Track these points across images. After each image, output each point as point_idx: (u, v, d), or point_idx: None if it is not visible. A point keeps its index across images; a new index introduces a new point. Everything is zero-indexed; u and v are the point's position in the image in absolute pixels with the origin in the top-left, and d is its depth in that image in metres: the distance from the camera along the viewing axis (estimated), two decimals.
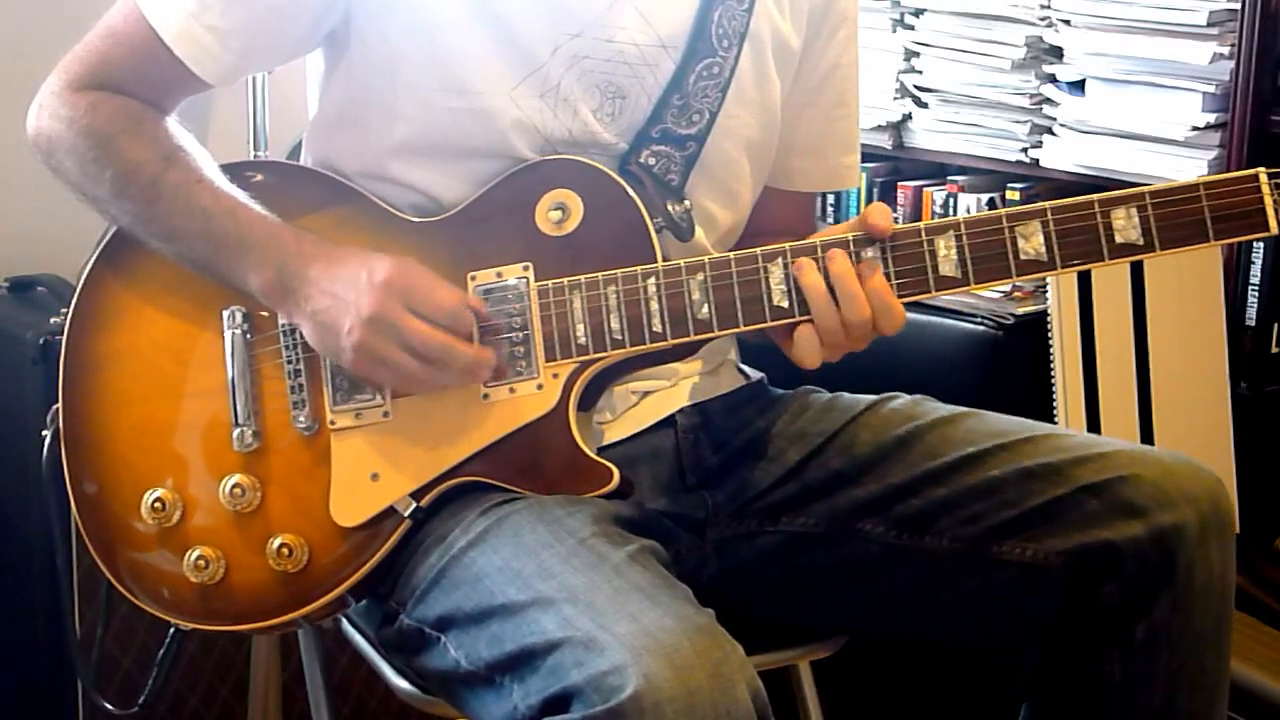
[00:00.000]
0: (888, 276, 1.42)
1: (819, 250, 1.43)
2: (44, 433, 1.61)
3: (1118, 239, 1.39)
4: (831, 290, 1.42)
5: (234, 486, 1.52)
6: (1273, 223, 1.36)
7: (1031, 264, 1.40)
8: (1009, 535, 1.53)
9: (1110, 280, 2.23)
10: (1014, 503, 1.53)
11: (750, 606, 1.61)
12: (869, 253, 1.42)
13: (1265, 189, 1.36)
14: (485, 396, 1.48)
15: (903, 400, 1.66)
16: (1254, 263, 2.34)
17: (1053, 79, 2.47)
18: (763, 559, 1.64)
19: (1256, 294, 2.34)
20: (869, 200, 2.72)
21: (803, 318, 1.43)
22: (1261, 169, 1.36)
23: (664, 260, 1.46)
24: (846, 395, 1.69)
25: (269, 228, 1.47)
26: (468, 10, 1.47)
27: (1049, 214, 1.39)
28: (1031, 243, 1.40)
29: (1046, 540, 1.52)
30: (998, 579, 1.54)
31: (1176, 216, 1.38)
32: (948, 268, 1.41)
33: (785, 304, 1.44)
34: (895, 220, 1.48)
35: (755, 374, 1.73)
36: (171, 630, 1.61)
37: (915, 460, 1.58)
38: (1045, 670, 1.58)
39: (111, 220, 1.55)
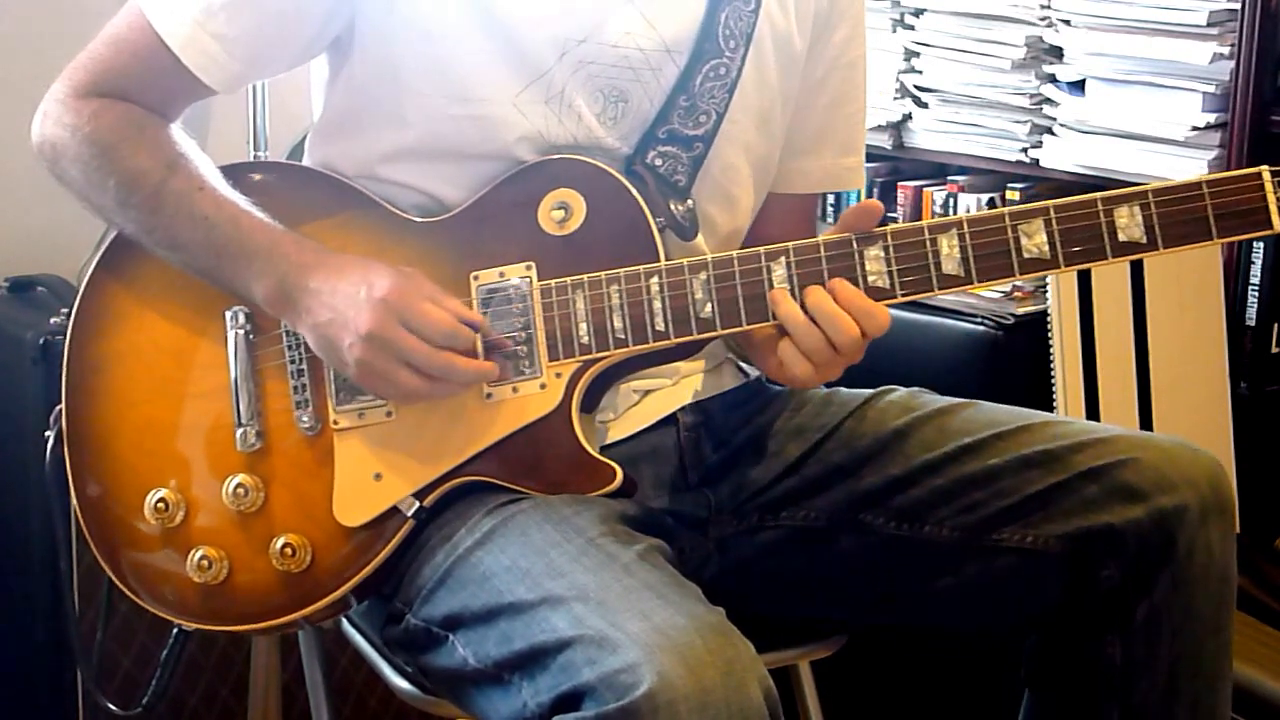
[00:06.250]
0: (890, 275, 1.42)
1: (821, 249, 1.43)
2: (47, 434, 1.61)
3: (1121, 237, 1.39)
4: (811, 317, 1.43)
5: (237, 486, 1.52)
6: (1276, 221, 1.36)
7: (1034, 262, 1.40)
8: (1009, 522, 1.54)
9: (1110, 280, 2.23)
10: (1013, 490, 1.54)
11: (753, 603, 1.61)
12: (873, 251, 1.43)
13: (1268, 187, 1.36)
14: (489, 396, 1.48)
15: (900, 393, 1.66)
16: (1254, 263, 2.34)
17: (1053, 79, 2.47)
18: (765, 554, 1.64)
19: (1256, 294, 2.34)
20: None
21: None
22: (1265, 167, 1.36)
23: (666, 259, 1.46)
24: (844, 390, 1.69)
25: (271, 235, 1.47)
26: (471, 17, 1.47)
27: (1052, 212, 1.39)
28: (1034, 241, 1.40)
29: (1046, 526, 1.52)
30: (998, 566, 1.55)
31: (1179, 215, 1.38)
32: (951, 266, 1.41)
33: None
34: (895, 220, 1.48)
35: (754, 371, 1.73)
36: (175, 631, 1.61)
37: (913, 451, 1.58)
38: (1046, 656, 1.59)
39: (117, 228, 1.55)
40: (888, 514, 1.58)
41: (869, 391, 1.66)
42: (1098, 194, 1.39)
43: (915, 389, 1.67)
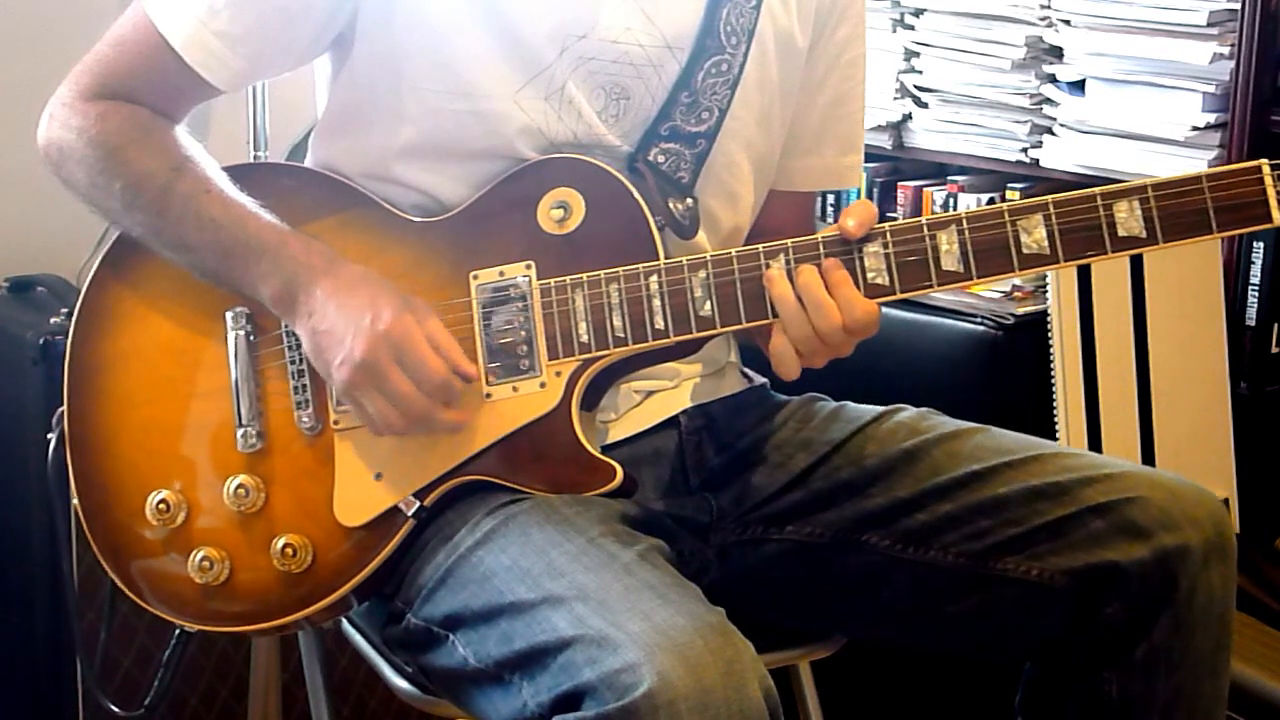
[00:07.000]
0: (889, 271, 1.42)
1: (820, 247, 1.43)
2: (49, 436, 1.61)
3: (1120, 232, 1.39)
4: (801, 301, 1.42)
5: (238, 487, 1.52)
6: (1275, 214, 1.36)
7: (1034, 258, 1.40)
8: (1014, 552, 1.53)
9: (1110, 280, 2.23)
10: (1020, 520, 1.53)
11: (751, 611, 1.61)
12: (872, 248, 1.43)
13: (1268, 180, 1.35)
14: (488, 395, 1.48)
15: (910, 413, 1.65)
16: (1254, 263, 2.34)
17: (1053, 79, 2.47)
18: (766, 566, 1.63)
19: (1256, 294, 2.34)
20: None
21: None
22: (1264, 160, 1.36)
23: (666, 258, 1.46)
24: (852, 405, 1.69)
25: (279, 236, 1.47)
26: (473, 13, 1.48)
27: (1051, 208, 1.39)
28: (1034, 236, 1.40)
29: (1051, 559, 1.52)
30: (1001, 595, 1.54)
31: (1179, 208, 1.37)
32: (950, 262, 1.41)
33: None
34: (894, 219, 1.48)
35: (758, 378, 1.73)
36: (178, 632, 1.61)
37: (922, 475, 1.58)
38: (1043, 688, 1.58)
39: (124, 231, 1.55)
40: (893, 536, 1.58)
41: (878, 409, 1.66)
42: (1096, 189, 1.39)
43: (925, 410, 1.66)
